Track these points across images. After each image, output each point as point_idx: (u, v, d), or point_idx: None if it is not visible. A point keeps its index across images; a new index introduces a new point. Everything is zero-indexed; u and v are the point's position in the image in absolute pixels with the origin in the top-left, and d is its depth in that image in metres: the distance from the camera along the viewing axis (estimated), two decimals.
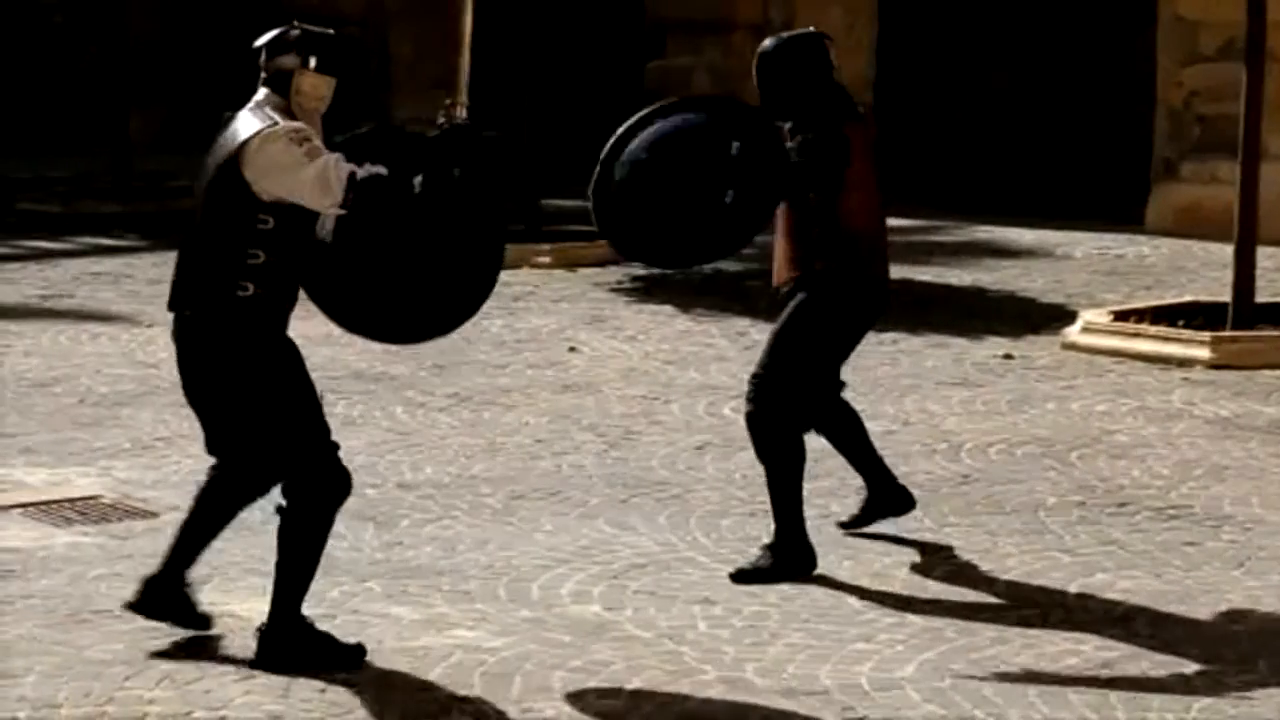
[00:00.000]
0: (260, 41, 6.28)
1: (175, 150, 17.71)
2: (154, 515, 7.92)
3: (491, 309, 11.99)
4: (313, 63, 6.17)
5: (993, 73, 16.00)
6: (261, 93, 6.27)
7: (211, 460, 6.47)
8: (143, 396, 9.87)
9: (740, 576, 7.13)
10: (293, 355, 6.24)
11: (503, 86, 16.71)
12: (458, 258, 6.45)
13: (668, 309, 12.00)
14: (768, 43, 7.39)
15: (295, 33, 6.23)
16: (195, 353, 6.20)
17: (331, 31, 6.30)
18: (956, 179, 15.94)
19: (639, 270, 13.30)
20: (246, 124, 6.18)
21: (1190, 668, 6.37)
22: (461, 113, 6.27)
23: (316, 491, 6.20)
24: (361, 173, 6.05)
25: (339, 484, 6.23)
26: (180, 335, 6.28)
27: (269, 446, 6.22)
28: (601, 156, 7.08)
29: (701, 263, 7.67)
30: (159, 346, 10.97)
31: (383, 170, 6.08)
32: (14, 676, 6.20)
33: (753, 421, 7.31)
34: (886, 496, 7.64)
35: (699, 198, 6.96)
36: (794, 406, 7.30)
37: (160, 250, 14.03)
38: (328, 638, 6.29)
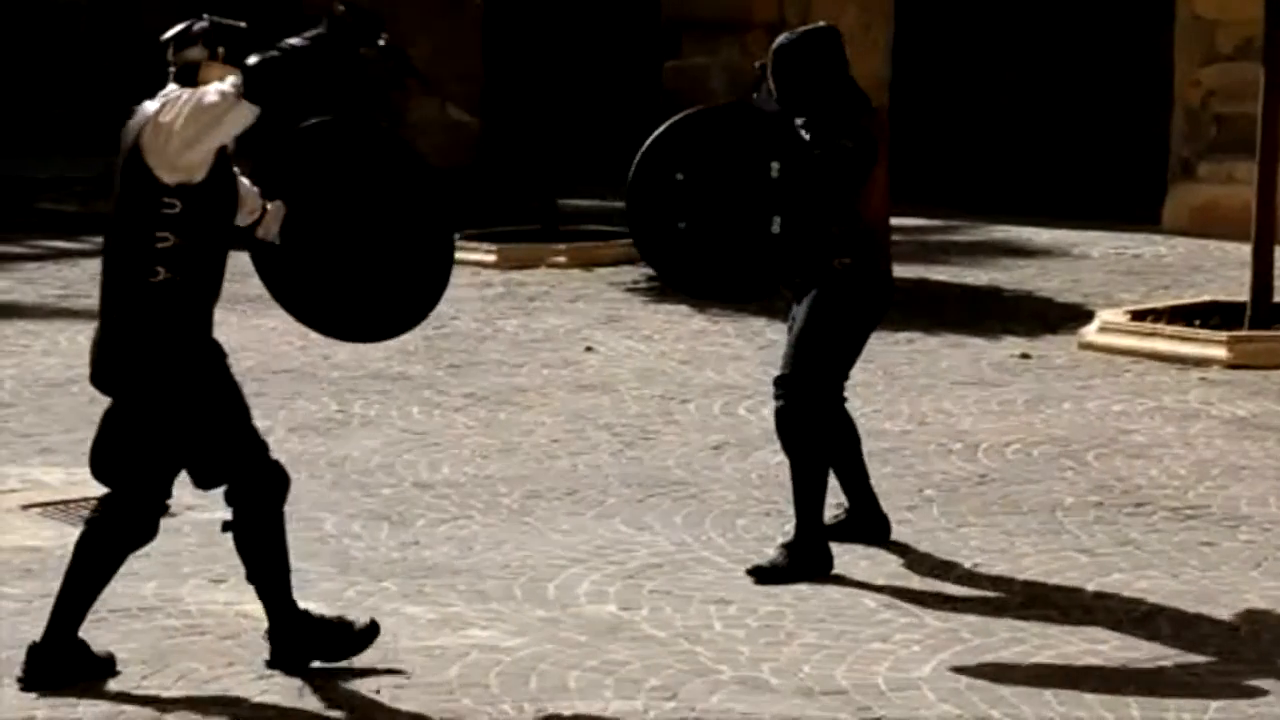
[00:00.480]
0: (168, 35, 6.12)
1: None
2: (170, 514, 7.92)
3: (507, 309, 12.05)
4: (220, 52, 6.01)
5: (1009, 72, 15.98)
6: (169, 87, 6.07)
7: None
8: None
9: (758, 575, 7.13)
10: (216, 355, 6.09)
11: (519, 86, 16.73)
12: (404, 253, 6.27)
13: (684, 309, 11.99)
14: (784, 38, 7.39)
15: (202, 24, 6.08)
16: (111, 349, 6.06)
17: (242, 24, 6.12)
18: (973, 178, 15.92)
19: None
20: (143, 112, 6.02)
21: (1208, 668, 6.37)
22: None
23: (261, 494, 6.13)
24: (250, 62, 5.85)
25: (279, 481, 6.16)
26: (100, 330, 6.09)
27: (206, 450, 6.08)
28: (632, 177, 6.97)
29: (759, 298, 7.47)
30: None
31: (273, 53, 5.86)
32: None
33: (784, 418, 7.27)
34: (865, 521, 7.57)
35: (746, 231, 6.86)
36: (823, 404, 7.29)
37: None
38: (336, 623, 6.24)
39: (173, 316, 5.99)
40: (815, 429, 7.27)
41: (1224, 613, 6.86)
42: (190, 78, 6.02)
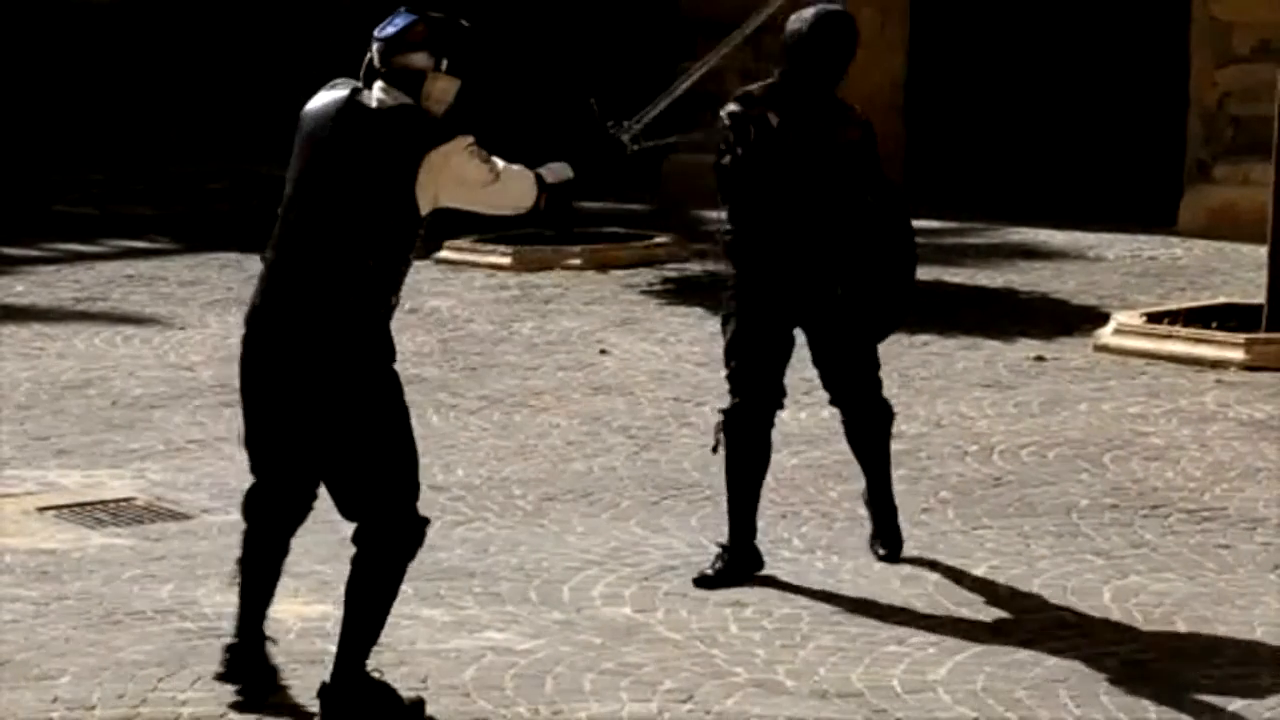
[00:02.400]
0: (385, 32, 5.61)
1: (208, 152, 17.79)
2: (187, 517, 7.94)
3: (523, 311, 12.05)
4: (445, 64, 5.60)
5: (1024, 74, 15.96)
6: (379, 87, 5.61)
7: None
8: (176, 399, 9.90)
9: (890, 555, 7.33)
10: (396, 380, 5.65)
11: (534, 87, 16.73)
12: None
13: (699, 311, 11.99)
14: (807, 16, 7.28)
15: (423, 26, 5.58)
16: (305, 358, 5.51)
17: (464, 23, 5.70)
18: (988, 181, 15.90)
19: (670, 273, 13.31)
20: (408, 128, 5.55)
21: (1224, 670, 6.36)
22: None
23: (401, 539, 5.60)
24: (548, 176, 5.81)
25: (419, 532, 5.65)
26: (289, 337, 5.53)
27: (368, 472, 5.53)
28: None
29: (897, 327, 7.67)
30: (192, 349, 11.01)
31: (569, 172, 5.86)
32: (49, 678, 6.23)
33: (881, 419, 7.45)
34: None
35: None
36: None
37: (193, 253, 14.08)
38: (390, 692, 5.72)
39: (377, 336, 5.60)
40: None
41: (1240, 615, 6.85)
42: (411, 85, 5.58)
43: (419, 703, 5.83)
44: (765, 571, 7.27)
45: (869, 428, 7.47)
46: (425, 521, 5.68)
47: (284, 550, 5.88)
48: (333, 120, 5.59)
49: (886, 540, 7.43)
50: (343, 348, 5.49)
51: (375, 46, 5.63)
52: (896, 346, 11.02)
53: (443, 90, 5.63)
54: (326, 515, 7.81)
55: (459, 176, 5.59)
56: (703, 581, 7.15)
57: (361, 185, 5.54)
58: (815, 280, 7.23)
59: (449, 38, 5.60)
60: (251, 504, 5.87)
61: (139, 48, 17.75)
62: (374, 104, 5.58)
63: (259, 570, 5.86)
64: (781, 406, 7.37)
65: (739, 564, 7.23)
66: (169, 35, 18.16)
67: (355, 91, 5.64)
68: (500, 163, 5.73)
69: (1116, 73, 15.55)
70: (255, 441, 5.73)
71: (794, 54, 7.26)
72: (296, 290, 5.56)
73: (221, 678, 5.86)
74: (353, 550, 5.85)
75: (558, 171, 5.88)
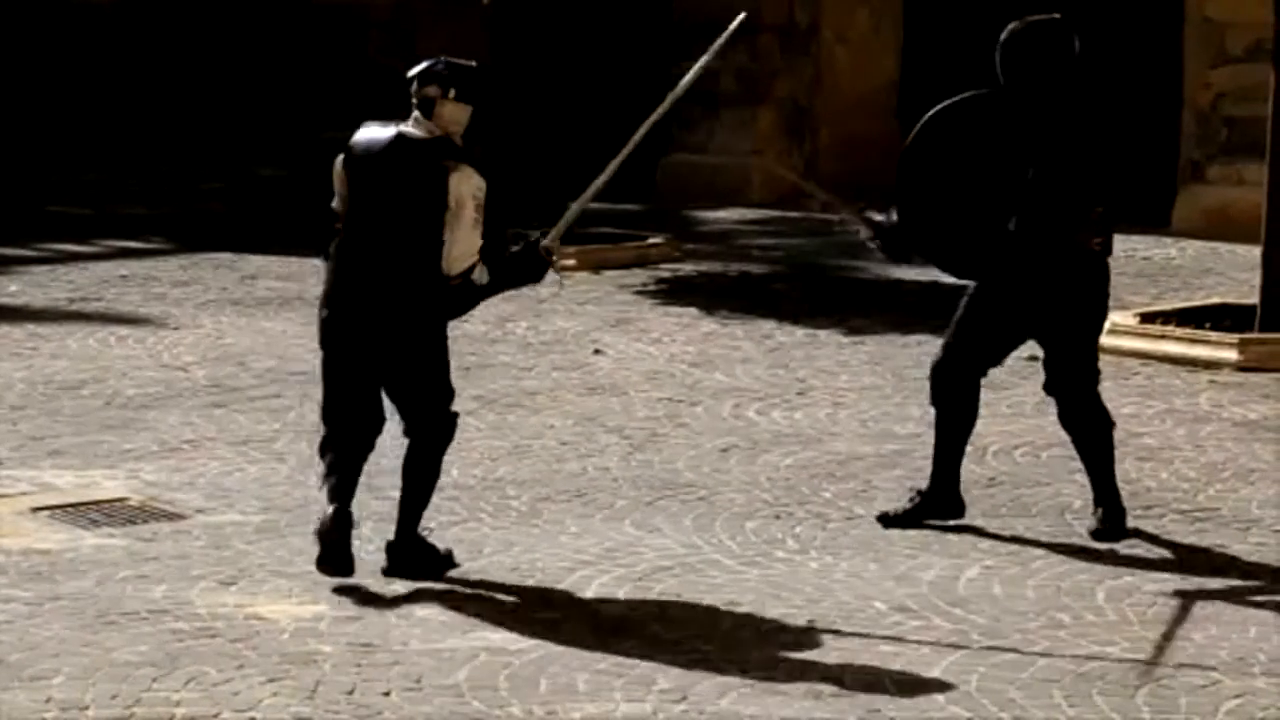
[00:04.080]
0: (412, 72, 7.16)
1: (203, 153, 17.78)
2: (181, 517, 7.94)
3: (516, 311, 12.05)
4: (452, 93, 7.09)
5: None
6: (414, 115, 7.15)
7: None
8: (170, 399, 9.90)
9: (1099, 535, 7.61)
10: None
11: (528, 88, 16.72)
12: None
13: (693, 311, 12.00)
14: (1014, 26, 7.71)
15: (439, 66, 7.14)
16: (392, 328, 7.14)
17: (473, 64, 7.20)
18: None
19: (664, 273, 13.31)
20: (439, 144, 7.11)
21: (1218, 670, 6.36)
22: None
23: (443, 430, 7.28)
24: (477, 274, 7.13)
25: (453, 424, 7.33)
26: (377, 314, 7.14)
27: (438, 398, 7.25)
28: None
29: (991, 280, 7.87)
30: (185, 349, 11.00)
31: (484, 281, 7.15)
32: (42, 678, 6.22)
33: (1084, 401, 7.71)
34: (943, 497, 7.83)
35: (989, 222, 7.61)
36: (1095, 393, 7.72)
37: (187, 253, 14.07)
38: (432, 548, 7.24)
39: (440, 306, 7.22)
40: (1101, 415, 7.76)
41: (1234, 615, 6.85)
42: (429, 110, 7.13)
43: (449, 554, 7.27)
44: (760, 571, 7.27)
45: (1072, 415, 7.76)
46: (456, 415, 7.33)
47: (361, 463, 7.30)
48: (387, 150, 7.17)
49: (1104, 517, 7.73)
50: (410, 311, 7.15)
51: (410, 83, 7.19)
52: (890, 347, 11.04)
53: (451, 113, 7.12)
54: (316, 516, 7.84)
55: (460, 195, 7.08)
56: (884, 519, 7.69)
57: (412, 192, 7.10)
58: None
59: (455, 72, 7.12)
60: (328, 445, 7.27)
61: (135, 48, 17.73)
62: (415, 135, 7.15)
63: (346, 475, 7.22)
64: (996, 364, 7.86)
65: (931, 506, 7.68)
66: (165, 36, 18.15)
67: (399, 128, 7.22)
68: (478, 225, 7.09)
69: (1111, 73, 15.55)
70: (337, 393, 7.24)
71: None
72: (374, 274, 7.13)
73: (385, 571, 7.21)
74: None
75: (481, 275, 7.20)
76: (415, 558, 7.19)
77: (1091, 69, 15.60)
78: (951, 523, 7.83)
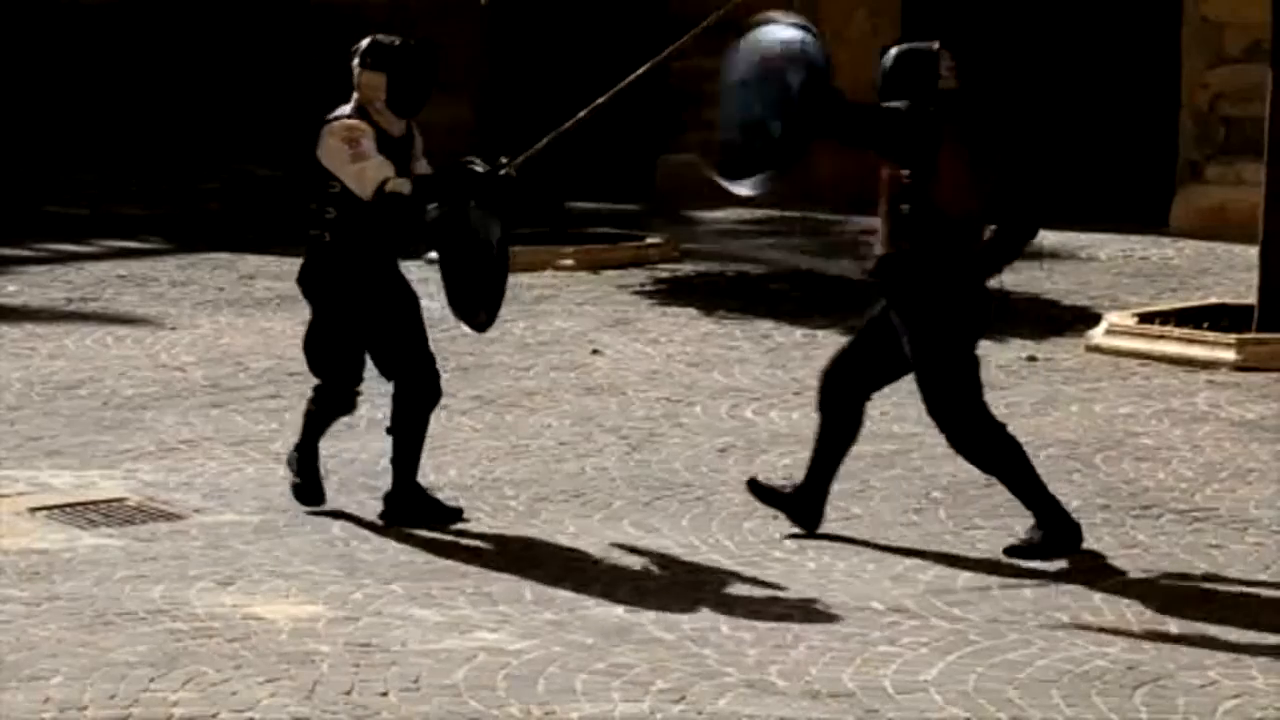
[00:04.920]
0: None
1: (200, 152, 17.77)
2: (179, 518, 7.94)
3: (514, 312, 12.04)
4: (368, 62, 7.69)
5: (1017, 75, 15.97)
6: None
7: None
8: (167, 399, 9.90)
9: (1014, 551, 7.39)
10: (391, 285, 7.77)
11: (525, 86, 16.71)
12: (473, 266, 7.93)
13: (691, 311, 12.00)
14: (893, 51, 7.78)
15: (363, 43, 7.77)
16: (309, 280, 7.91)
17: (393, 40, 7.76)
18: None
19: (662, 273, 13.31)
20: (331, 112, 7.76)
21: (1216, 670, 6.36)
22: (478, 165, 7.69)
23: (421, 389, 7.83)
24: (391, 185, 7.55)
25: (435, 383, 7.87)
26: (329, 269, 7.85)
27: (384, 352, 7.85)
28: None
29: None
30: (183, 349, 11.00)
31: (405, 190, 7.57)
32: (40, 678, 6.22)
33: (957, 447, 7.56)
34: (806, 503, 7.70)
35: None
36: (976, 416, 7.50)
37: (185, 253, 14.07)
38: (435, 501, 7.81)
39: (340, 266, 7.82)
40: (987, 442, 7.49)
41: (1232, 616, 6.86)
42: (355, 84, 7.76)
43: (459, 510, 7.83)
44: (758, 571, 7.27)
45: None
46: (437, 376, 7.86)
47: (346, 409, 8.07)
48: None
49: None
50: (336, 276, 7.82)
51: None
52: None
53: (367, 81, 7.71)
54: (312, 516, 7.83)
55: (327, 148, 7.68)
56: (752, 483, 7.78)
57: (317, 157, 7.79)
58: None
59: (369, 45, 7.74)
60: (325, 393, 8.01)
61: (132, 48, 17.72)
62: (333, 114, 7.80)
63: (323, 426, 8.00)
64: (884, 382, 7.75)
65: (793, 507, 7.65)
66: (162, 36, 18.14)
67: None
68: (370, 156, 7.58)
69: (1109, 73, 15.57)
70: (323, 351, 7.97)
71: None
72: (316, 239, 7.87)
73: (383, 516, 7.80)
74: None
75: (400, 185, 7.61)
76: (413, 507, 7.72)
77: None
78: (951, 524, 7.83)
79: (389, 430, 7.88)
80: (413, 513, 7.74)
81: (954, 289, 7.43)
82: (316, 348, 7.93)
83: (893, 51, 7.74)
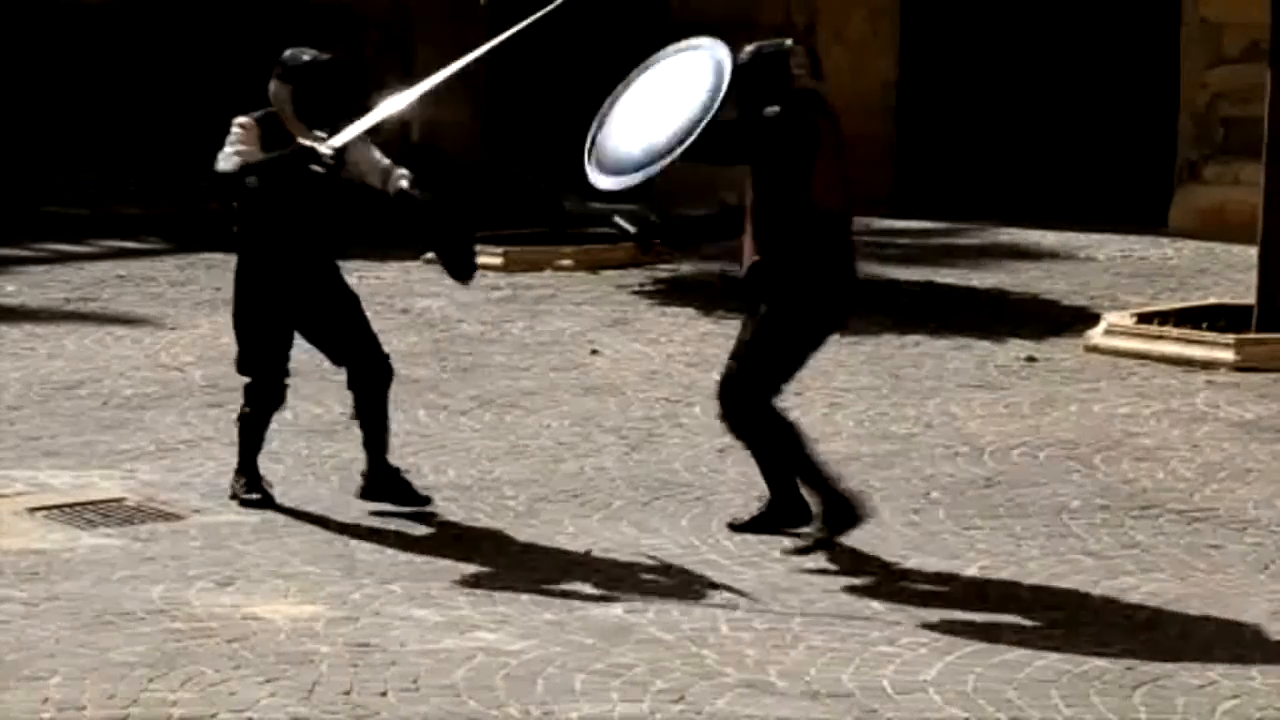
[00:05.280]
0: None
1: (198, 152, 17.76)
2: (178, 517, 7.94)
3: (514, 311, 12.05)
4: (277, 72, 8.08)
5: (1015, 75, 15.97)
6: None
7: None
8: (166, 399, 9.90)
9: (805, 551, 7.39)
10: (315, 280, 8.03)
11: (525, 87, 16.72)
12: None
13: (690, 311, 12.00)
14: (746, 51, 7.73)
15: (285, 53, 8.13)
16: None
17: (305, 54, 8.07)
18: (980, 181, 15.91)
19: (663, 273, 13.31)
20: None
21: (1215, 670, 6.36)
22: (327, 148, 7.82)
23: (373, 376, 8.08)
24: (222, 165, 7.95)
25: (385, 369, 8.10)
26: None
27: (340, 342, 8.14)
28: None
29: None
30: (182, 349, 11.00)
31: (229, 169, 7.96)
32: (39, 679, 6.22)
33: (726, 419, 7.62)
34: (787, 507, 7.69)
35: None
36: (759, 409, 7.53)
37: (183, 253, 14.07)
38: (406, 483, 8.07)
39: (258, 258, 8.14)
40: (758, 425, 7.54)
41: (1231, 615, 6.86)
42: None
43: (427, 498, 8.08)
44: (757, 571, 7.27)
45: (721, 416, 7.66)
46: (386, 357, 8.12)
47: (278, 403, 8.28)
48: None
49: None
50: (246, 267, 8.17)
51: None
52: (887, 347, 11.04)
53: (275, 91, 8.09)
54: (311, 516, 7.83)
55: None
56: (732, 526, 7.69)
57: None
58: None
59: (282, 59, 8.12)
60: (255, 390, 8.20)
61: (131, 48, 17.72)
62: None
63: (261, 427, 8.20)
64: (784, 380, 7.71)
65: (780, 516, 7.65)
66: (161, 36, 18.14)
67: None
68: (239, 144, 7.95)
69: (1107, 74, 15.57)
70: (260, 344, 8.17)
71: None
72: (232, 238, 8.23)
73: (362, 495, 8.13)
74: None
75: (224, 162, 7.99)
76: (386, 486, 8.06)
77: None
78: (950, 524, 7.83)
79: (353, 416, 8.20)
80: (388, 491, 8.05)
81: (829, 285, 7.47)
82: (245, 343, 8.16)
83: (744, 52, 7.75)
